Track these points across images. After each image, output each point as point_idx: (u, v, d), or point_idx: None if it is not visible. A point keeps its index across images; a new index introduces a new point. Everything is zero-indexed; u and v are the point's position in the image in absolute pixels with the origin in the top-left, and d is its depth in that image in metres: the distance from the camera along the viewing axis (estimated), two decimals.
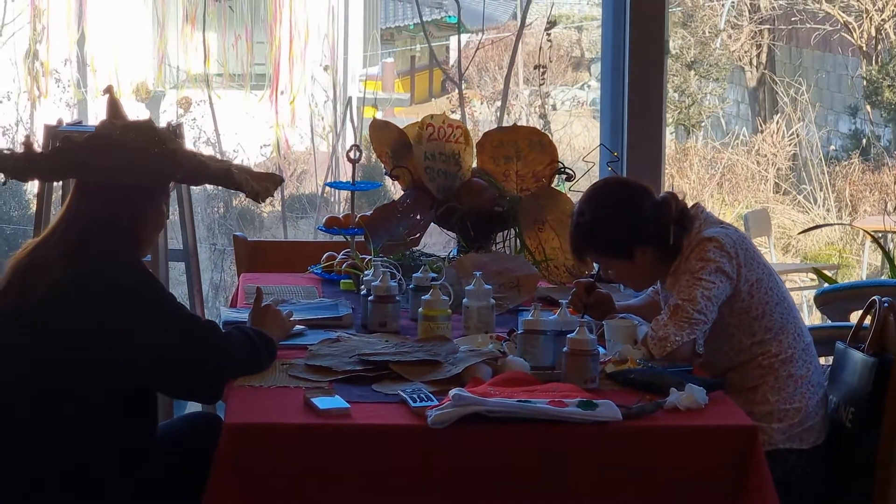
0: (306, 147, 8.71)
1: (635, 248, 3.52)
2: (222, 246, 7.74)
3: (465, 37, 8.89)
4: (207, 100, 7.97)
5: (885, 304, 3.52)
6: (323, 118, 8.69)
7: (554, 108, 10.96)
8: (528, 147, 4.41)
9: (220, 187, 8.02)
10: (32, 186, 7.60)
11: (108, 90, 3.29)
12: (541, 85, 8.76)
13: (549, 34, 7.64)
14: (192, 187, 5.10)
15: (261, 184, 3.21)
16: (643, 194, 3.57)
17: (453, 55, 10.52)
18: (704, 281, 3.40)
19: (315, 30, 8.21)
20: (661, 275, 3.57)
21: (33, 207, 6.26)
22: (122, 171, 3.11)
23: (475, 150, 4.44)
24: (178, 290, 5.41)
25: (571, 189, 4.47)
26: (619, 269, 3.59)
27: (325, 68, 8.52)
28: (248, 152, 8.34)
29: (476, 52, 9.09)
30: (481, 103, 10.58)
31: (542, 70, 7.84)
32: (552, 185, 4.44)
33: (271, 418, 2.93)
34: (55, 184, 4.83)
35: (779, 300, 3.50)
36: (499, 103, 9.75)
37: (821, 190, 10.47)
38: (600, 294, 3.66)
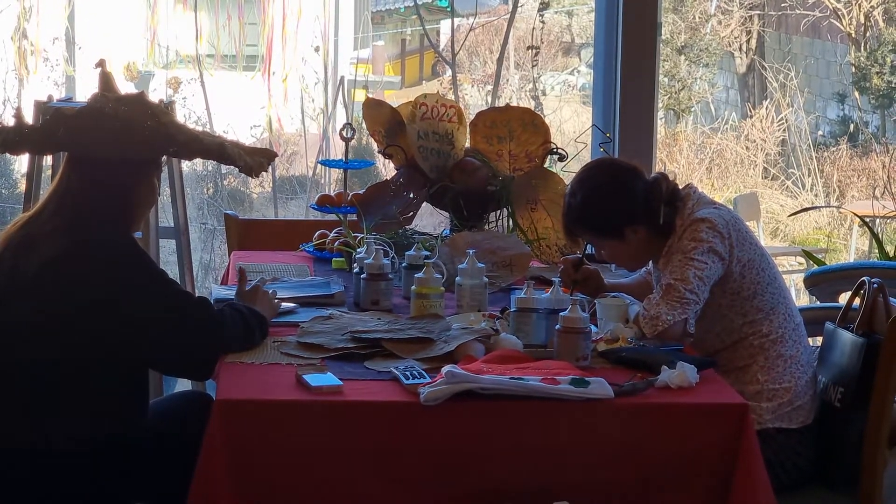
0: (296, 129, 8.70)
1: (626, 227, 3.52)
2: (212, 226, 7.73)
3: (455, 21, 8.88)
4: (198, 80, 7.96)
5: (875, 285, 3.53)
6: (314, 100, 8.67)
7: (543, 93, 10.96)
8: (521, 127, 4.42)
9: (209, 167, 8.07)
10: (21, 165, 7.59)
11: (101, 64, 3.28)
12: (533, 66, 8.75)
13: (542, 15, 7.63)
14: (182, 166, 5.09)
15: (254, 158, 3.21)
16: (633, 174, 3.57)
17: (443, 39, 10.51)
18: (696, 261, 3.41)
19: (306, 9, 8.20)
20: (654, 255, 3.58)
21: (21, 186, 6.25)
22: (114, 144, 3.10)
23: (468, 129, 4.45)
24: (169, 268, 5.39)
25: (564, 169, 4.48)
26: (611, 250, 3.60)
27: (316, 49, 8.50)
28: (239, 133, 8.32)
29: (467, 35, 9.09)
30: (472, 87, 10.57)
31: (534, 51, 7.82)
32: (545, 166, 4.44)
33: (263, 395, 2.92)
34: (44, 163, 4.81)
35: (770, 280, 3.51)
36: (489, 87, 9.74)
37: (809, 175, 10.49)
38: (588, 270, 3.67)
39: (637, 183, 3.55)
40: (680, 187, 3.59)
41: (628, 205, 3.52)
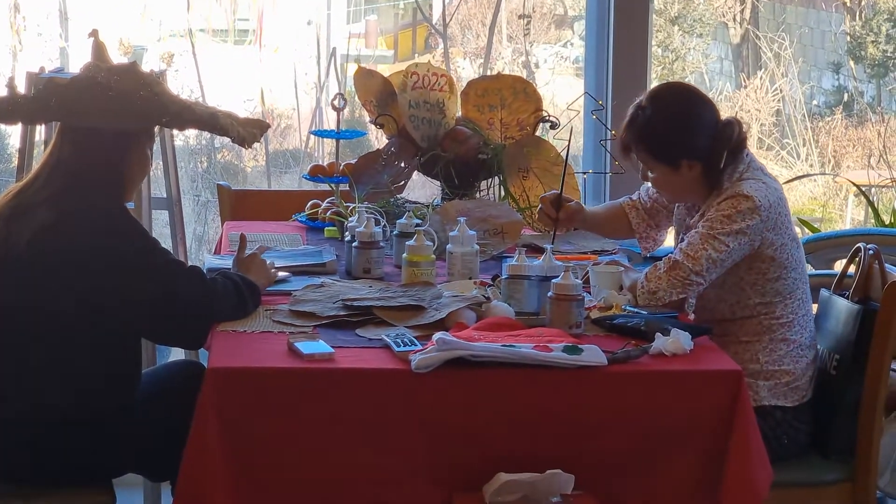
0: (289, 103, 8.68)
1: (684, 159, 3.42)
2: (205, 199, 7.71)
3: None
4: (190, 52, 7.93)
5: (870, 252, 3.52)
6: (307, 73, 8.65)
7: (536, 65, 10.92)
8: (513, 95, 4.41)
9: (203, 141, 8.05)
10: (14, 140, 7.57)
11: (94, 34, 3.26)
12: (525, 36, 8.72)
13: None
14: (175, 138, 5.07)
15: (247, 129, 3.20)
16: (709, 108, 3.49)
17: (436, 13, 10.48)
18: (718, 242, 3.34)
19: None
20: (696, 198, 3.50)
21: (15, 161, 6.23)
22: (106, 114, 3.10)
23: (459, 98, 4.43)
24: (162, 239, 5.37)
25: (556, 137, 4.47)
26: (660, 175, 3.47)
27: (309, 23, 8.47)
28: (232, 107, 8.28)
29: (458, 6, 9.05)
30: (464, 59, 10.54)
31: (526, 20, 7.79)
32: (536, 134, 4.43)
33: (255, 363, 2.92)
34: (37, 138, 4.80)
35: (795, 266, 3.46)
36: (482, 60, 9.71)
37: (804, 145, 10.46)
38: (569, 207, 3.65)
39: (709, 117, 3.46)
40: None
41: (694, 135, 3.43)
